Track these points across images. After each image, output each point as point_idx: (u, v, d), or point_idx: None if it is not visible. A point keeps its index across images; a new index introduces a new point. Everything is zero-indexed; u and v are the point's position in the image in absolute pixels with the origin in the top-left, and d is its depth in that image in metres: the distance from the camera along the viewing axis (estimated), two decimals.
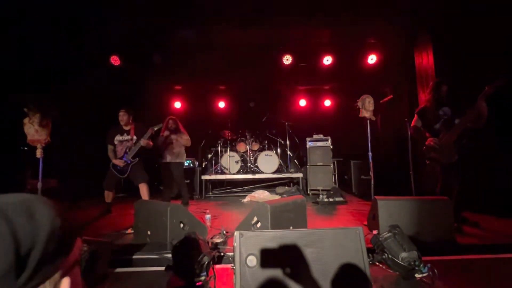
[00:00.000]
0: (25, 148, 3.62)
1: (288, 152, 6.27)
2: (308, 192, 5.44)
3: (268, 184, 6.04)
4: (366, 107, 3.73)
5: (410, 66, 4.97)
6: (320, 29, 5.20)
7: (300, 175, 5.74)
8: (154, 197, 3.93)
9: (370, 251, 1.94)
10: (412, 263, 1.84)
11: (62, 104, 3.11)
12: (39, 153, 2.97)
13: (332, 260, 1.46)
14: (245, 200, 5.05)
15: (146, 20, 4.45)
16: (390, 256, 1.93)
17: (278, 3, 4.17)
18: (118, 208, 4.26)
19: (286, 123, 6.27)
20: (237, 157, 5.91)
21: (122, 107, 3.80)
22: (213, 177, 5.72)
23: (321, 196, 4.58)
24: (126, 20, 4.41)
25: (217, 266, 2.11)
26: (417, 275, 1.83)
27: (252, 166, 5.94)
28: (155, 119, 4.42)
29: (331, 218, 3.57)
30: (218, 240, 2.51)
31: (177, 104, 7.41)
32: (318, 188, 5.28)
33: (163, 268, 2.00)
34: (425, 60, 4.65)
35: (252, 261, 1.43)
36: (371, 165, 3.77)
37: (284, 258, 1.46)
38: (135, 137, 3.74)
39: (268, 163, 5.80)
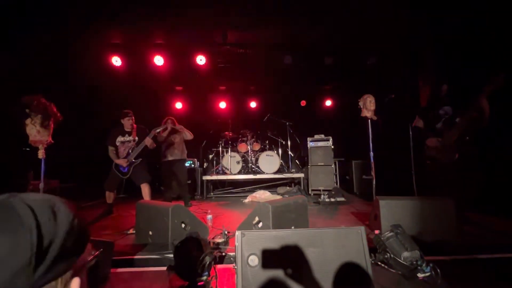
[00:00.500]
0: (27, 149, 3.65)
1: (289, 152, 6.26)
2: (310, 192, 5.44)
3: (269, 185, 6.04)
4: (367, 106, 3.72)
5: (412, 65, 4.96)
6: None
7: (301, 175, 5.73)
8: (155, 197, 3.93)
9: (372, 251, 1.94)
10: (415, 262, 1.84)
11: (63, 105, 3.12)
12: (41, 154, 2.98)
13: (334, 260, 1.46)
14: (246, 200, 5.05)
15: None
16: (392, 255, 1.92)
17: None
18: (119, 208, 4.27)
19: (287, 123, 6.27)
20: (238, 157, 5.91)
21: (129, 112, 3.83)
22: (214, 177, 5.72)
23: (322, 196, 4.58)
24: None
25: (219, 266, 2.11)
26: (419, 275, 1.82)
27: (253, 166, 5.94)
28: (156, 120, 4.45)
29: (332, 218, 3.57)
30: (219, 240, 2.51)
31: (178, 105, 7.43)
32: (320, 188, 5.27)
33: (165, 268, 2.00)
34: (426, 59, 4.65)
35: (254, 261, 1.43)
36: (372, 165, 3.76)
37: (285, 258, 1.46)
38: (136, 138, 3.77)
39: (269, 163, 5.79)
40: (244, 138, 6.23)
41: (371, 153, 3.81)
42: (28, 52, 4.39)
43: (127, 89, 6.05)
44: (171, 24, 4.73)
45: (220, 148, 6.07)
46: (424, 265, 1.81)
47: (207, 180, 5.72)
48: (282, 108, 7.05)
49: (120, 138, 3.78)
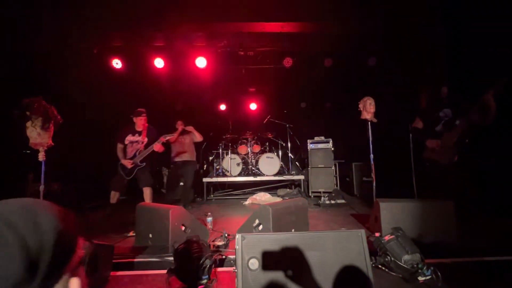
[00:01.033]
0: (28, 151, 3.64)
1: (290, 154, 6.26)
2: (310, 194, 5.42)
3: (270, 187, 6.02)
4: (367, 109, 3.72)
5: (412, 67, 4.97)
6: None
7: (301, 177, 5.72)
8: (156, 200, 3.92)
9: (372, 253, 1.94)
10: (415, 265, 1.83)
11: (62, 105, 3.12)
12: (41, 157, 2.98)
13: (334, 263, 1.46)
14: (247, 202, 5.04)
15: None
16: (392, 258, 1.92)
17: None
18: (119, 211, 4.24)
19: (287, 125, 6.27)
20: (238, 159, 5.91)
21: (142, 111, 3.77)
22: (214, 179, 5.72)
23: (322, 198, 4.57)
24: None
25: (219, 269, 2.11)
26: (420, 278, 1.82)
27: (253, 168, 5.94)
28: (155, 120, 4.45)
29: (332, 220, 3.56)
30: (219, 243, 2.50)
31: (178, 107, 7.44)
32: (320, 190, 5.26)
33: (165, 271, 1.99)
34: (426, 60, 4.65)
35: (254, 264, 1.42)
36: (372, 167, 3.76)
37: (286, 261, 1.46)
38: (146, 139, 3.71)
39: (269, 165, 5.79)
40: (244, 140, 6.24)
41: (371, 155, 3.81)
42: (28, 54, 4.40)
43: (128, 91, 6.05)
44: (171, 28, 4.76)
45: (220, 150, 6.08)
46: (424, 268, 1.80)
47: (207, 182, 5.71)
48: (282, 110, 7.06)
49: (130, 137, 3.71)
